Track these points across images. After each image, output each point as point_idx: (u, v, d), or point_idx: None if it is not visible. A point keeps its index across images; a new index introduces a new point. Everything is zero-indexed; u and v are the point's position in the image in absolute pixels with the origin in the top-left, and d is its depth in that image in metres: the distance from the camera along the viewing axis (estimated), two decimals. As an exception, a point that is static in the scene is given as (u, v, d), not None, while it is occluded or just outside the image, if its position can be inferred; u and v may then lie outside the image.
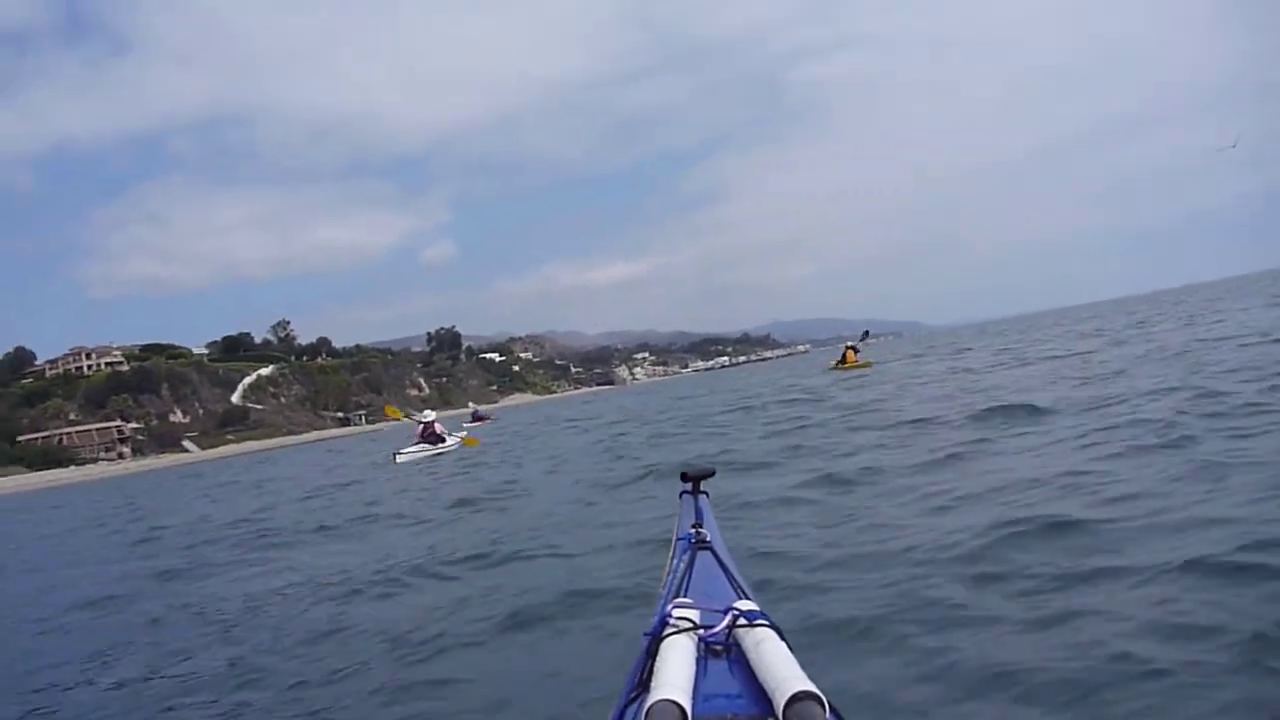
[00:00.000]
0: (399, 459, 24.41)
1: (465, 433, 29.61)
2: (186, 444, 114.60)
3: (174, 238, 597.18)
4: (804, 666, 1.56)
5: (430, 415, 28.27)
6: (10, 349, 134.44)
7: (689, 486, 2.96)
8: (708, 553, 2.36)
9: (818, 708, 1.42)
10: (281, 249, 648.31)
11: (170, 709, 5.06)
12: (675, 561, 2.45)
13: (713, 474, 3.05)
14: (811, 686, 1.45)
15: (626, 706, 1.64)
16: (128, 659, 6.38)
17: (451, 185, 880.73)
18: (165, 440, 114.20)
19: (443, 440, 26.56)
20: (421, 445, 25.90)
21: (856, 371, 36.72)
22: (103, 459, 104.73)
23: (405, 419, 30.50)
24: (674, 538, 2.71)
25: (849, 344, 41.48)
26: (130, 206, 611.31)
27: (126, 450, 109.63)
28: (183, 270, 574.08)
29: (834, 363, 41.90)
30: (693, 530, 2.54)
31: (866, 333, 46.40)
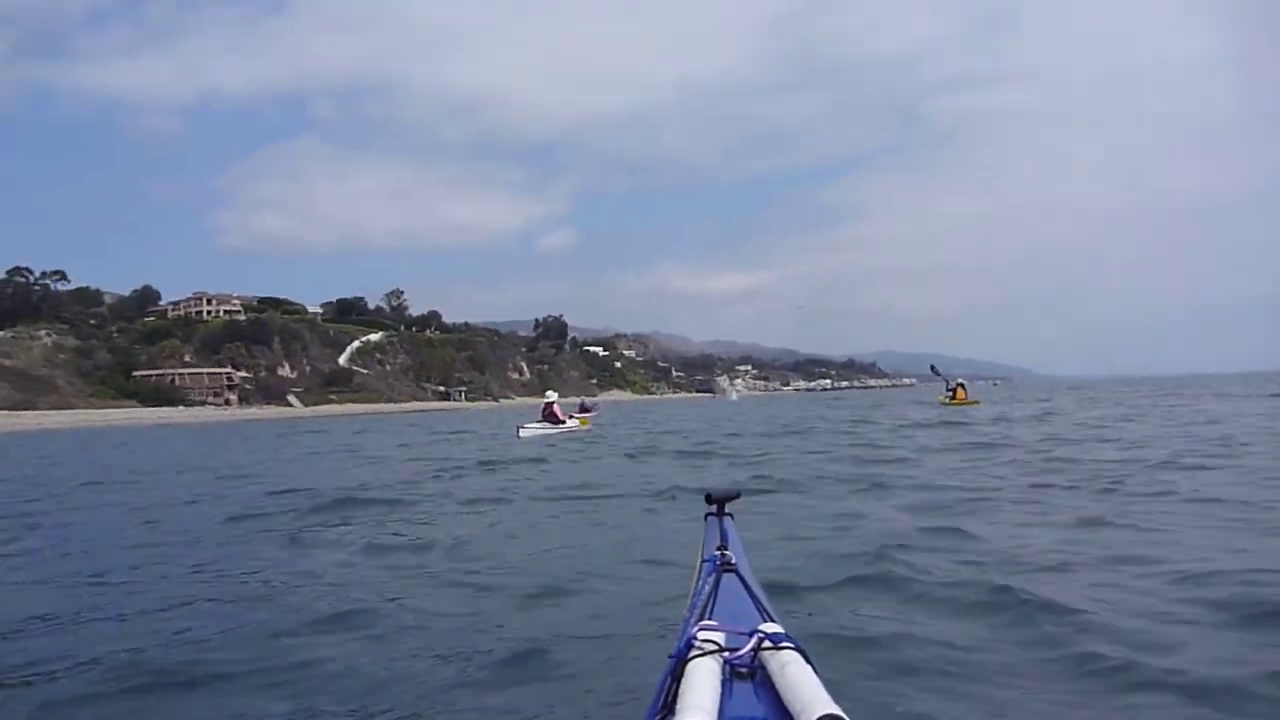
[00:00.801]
0: (522, 434, 26.46)
1: (584, 419, 32.73)
2: (291, 398, 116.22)
3: (304, 197, 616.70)
4: (830, 690, 1.55)
5: (553, 396, 31.20)
6: (138, 287, 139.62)
7: (714, 509, 2.91)
8: (733, 575, 2.37)
9: None
10: (405, 220, 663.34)
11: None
12: (700, 583, 2.46)
13: (738, 496, 2.99)
14: (837, 710, 1.45)
15: None
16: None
17: (578, 176, 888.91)
18: (271, 392, 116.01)
19: (562, 421, 29.28)
20: (543, 423, 28.45)
21: (963, 408, 39.12)
22: (210, 403, 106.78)
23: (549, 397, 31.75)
24: (699, 559, 2.72)
25: (959, 381, 44.92)
26: (267, 163, 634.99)
27: (233, 397, 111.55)
28: (308, 229, 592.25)
29: (944, 397, 44.36)
30: (718, 552, 2.55)
31: (932, 367, 49.90)
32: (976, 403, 42.56)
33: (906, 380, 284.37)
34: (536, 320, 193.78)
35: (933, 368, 49.52)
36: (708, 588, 2.25)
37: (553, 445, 22.89)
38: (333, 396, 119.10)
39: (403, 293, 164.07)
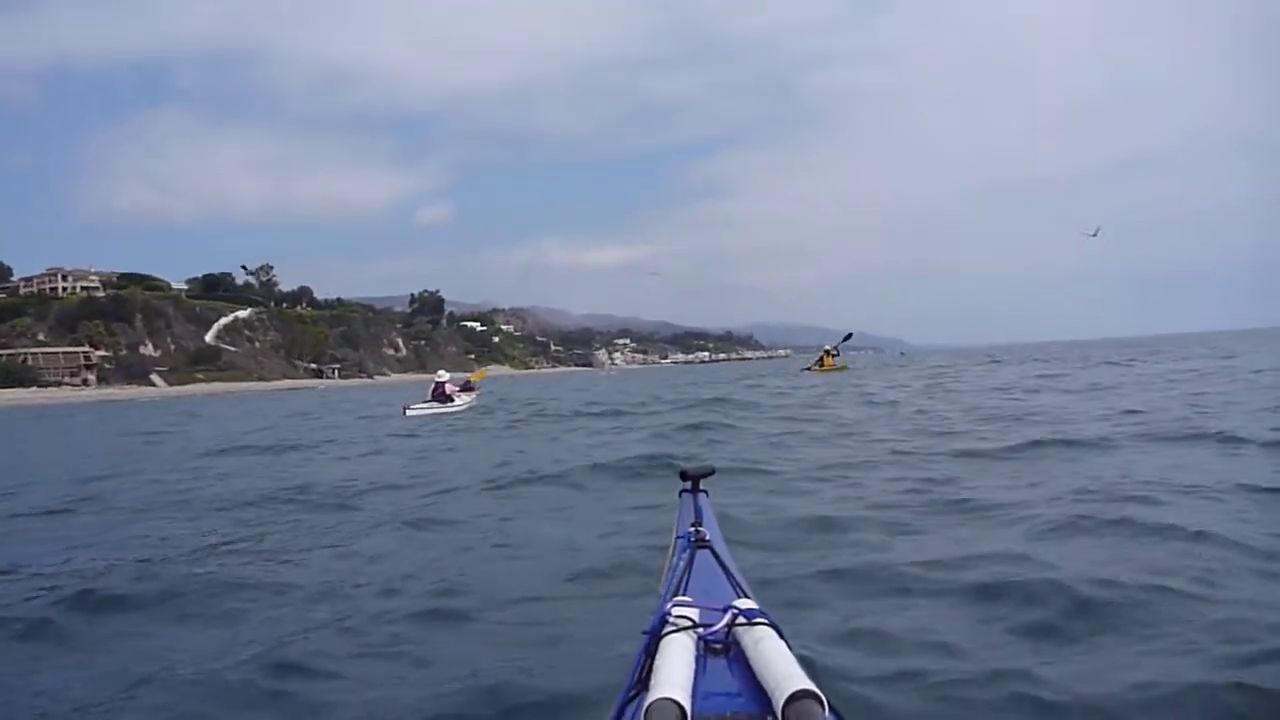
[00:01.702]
0: (408, 413, 26.15)
1: (473, 397, 32.31)
2: (154, 378, 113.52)
3: (169, 169, 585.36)
4: (803, 665, 1.56)
5: (445, 376, 31.10)
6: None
7: (688, 485, 2.97)
8: (707, 551, 2.38)
9: (817, 706, 1.42)
10: (276, 194, 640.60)
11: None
12: (675, 560, 2.48)
13: (713, 473, 3.05)
14: (811, 685, 1.45)
15: (625, 705, 1.64)
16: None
17: (455, 149, 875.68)
18: (133, 371, 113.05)
19: (451, 400, 29.12)
20: (431, 403, 28.35)
21: (835, 374, 40.30)
22: (66, 384, 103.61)
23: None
24: (674, 536, 2.73)
25: (826, 348, 45.90)
26: (129, 133, 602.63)
27: (91, 377, 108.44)
28: (174, 203, 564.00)
29: (812, 365, 45.81)
30: (692, 529, 2.55)
31: (849, 335, 49.89)
32: (845, 368, 44.41)
33: (782, 351, 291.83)
34: (412, 295, 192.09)
35: (848, 335, 49.53)
36: (682, 564, 2.30)
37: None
38: (199, 375, 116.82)
39: (272, 268, 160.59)
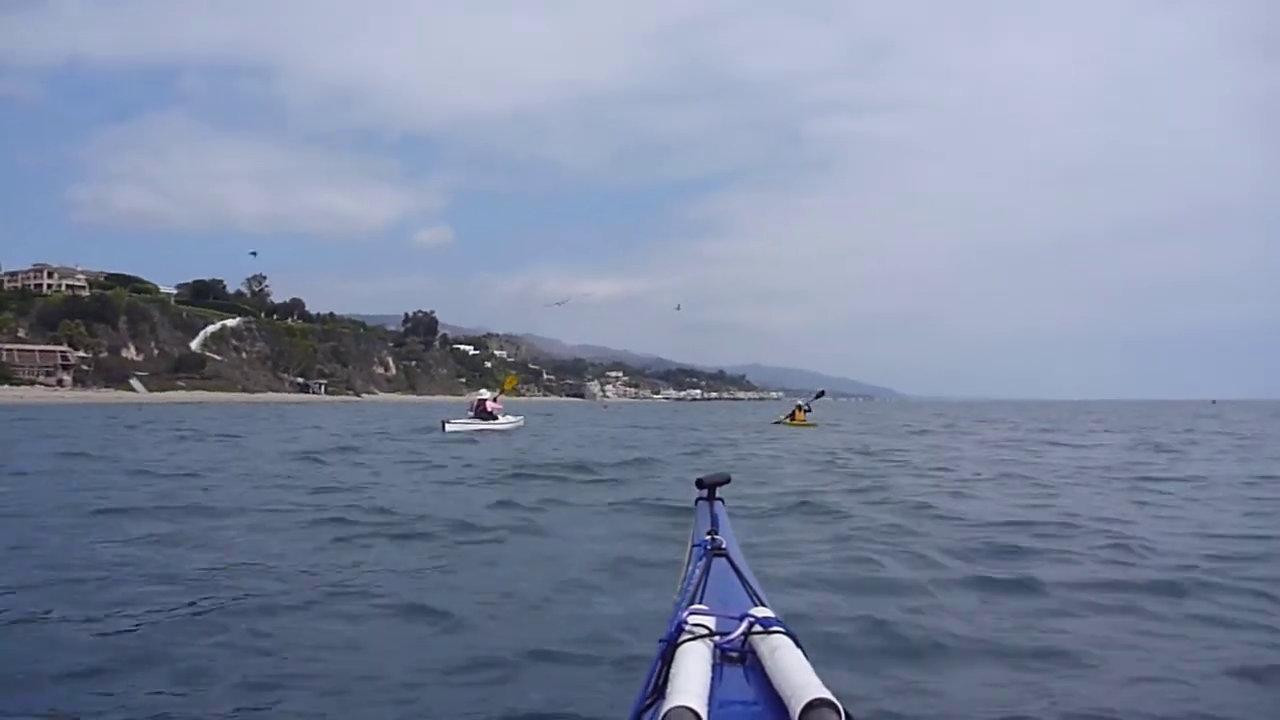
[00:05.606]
0: (448, 428, 26.31)
1: (520, 417, 32.82)
2: (134, 383, 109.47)
3: (169, 175, 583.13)
4: (820, 673, 1.55)
5: (486, 394, 31.85)
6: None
7: (705, 493, 2.95)
8: (723, 559, 2.39)
9: (834, 715, 1.43)
10: (275, 206, 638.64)
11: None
12: (691, 568, 2.47)
13: (728, 481, 3.05)
14: (828, 694, 1.46)
15: (641, 713, 1.65)
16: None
17: (457, 172, 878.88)
18: (112, 375, 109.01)
19: (494, 418, 29.37)
20: (474, 419, 28.78)
21: (798, 429, 39.14)
22: (41, 383, 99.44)
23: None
24: (690, 544, 2.74)
25: (799, 403, 45.01)
26: (131, 136, 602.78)
27: (67, 378, 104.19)
28: (172, 208, 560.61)
29: (783, 417, 44.61)
30: (708, 537, 2.56)
31: (821, 392, 49.17)
32: (814, 425, 41.95)
33: (774, 394, 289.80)
34: (406, 314, 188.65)
35: (820, 393, 48.54)
36: (698, 572, 2.26)
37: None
38: (180, 383, 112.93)
39: (265, 278, 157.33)
